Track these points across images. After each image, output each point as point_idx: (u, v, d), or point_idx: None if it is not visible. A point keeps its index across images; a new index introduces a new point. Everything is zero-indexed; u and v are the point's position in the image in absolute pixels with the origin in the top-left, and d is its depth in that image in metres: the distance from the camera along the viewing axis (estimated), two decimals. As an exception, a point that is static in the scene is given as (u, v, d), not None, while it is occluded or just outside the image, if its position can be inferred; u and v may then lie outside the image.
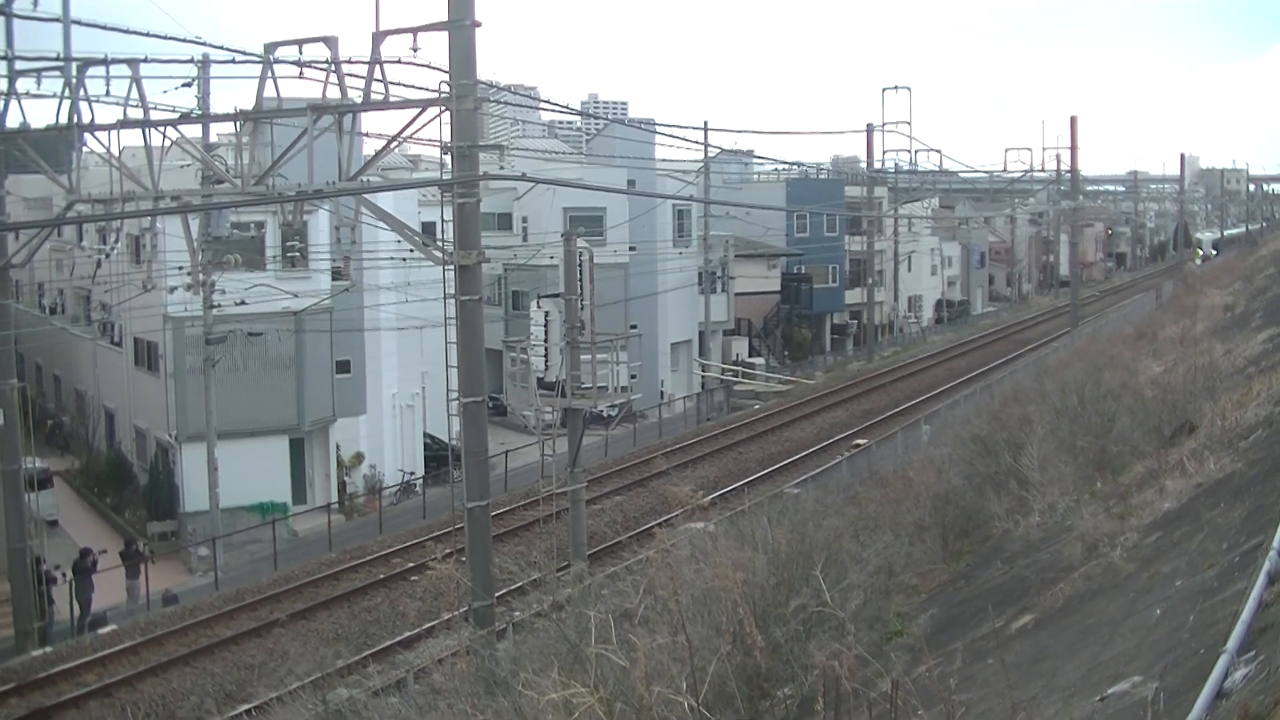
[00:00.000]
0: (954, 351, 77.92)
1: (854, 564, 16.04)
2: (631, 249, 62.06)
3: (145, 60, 28.62)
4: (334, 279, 44.88)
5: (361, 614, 32.50)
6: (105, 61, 28.59)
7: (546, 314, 31.23)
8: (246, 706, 25.09)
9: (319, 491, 46.67)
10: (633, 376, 37.28)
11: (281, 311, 43.01)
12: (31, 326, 55.13)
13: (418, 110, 24.07)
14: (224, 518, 39.58)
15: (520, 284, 60.61)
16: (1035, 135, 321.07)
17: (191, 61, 33.18)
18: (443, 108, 23.47)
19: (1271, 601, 9.53)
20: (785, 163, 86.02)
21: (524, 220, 64.52)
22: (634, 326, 56.46)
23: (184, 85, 33.68)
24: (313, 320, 44.31)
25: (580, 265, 29.74)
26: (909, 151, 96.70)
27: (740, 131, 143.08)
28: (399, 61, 24.77)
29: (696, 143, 64.95)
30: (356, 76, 24.82)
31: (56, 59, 29.94)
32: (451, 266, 23.88)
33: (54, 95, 29.39)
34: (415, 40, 23.64)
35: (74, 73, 28.84)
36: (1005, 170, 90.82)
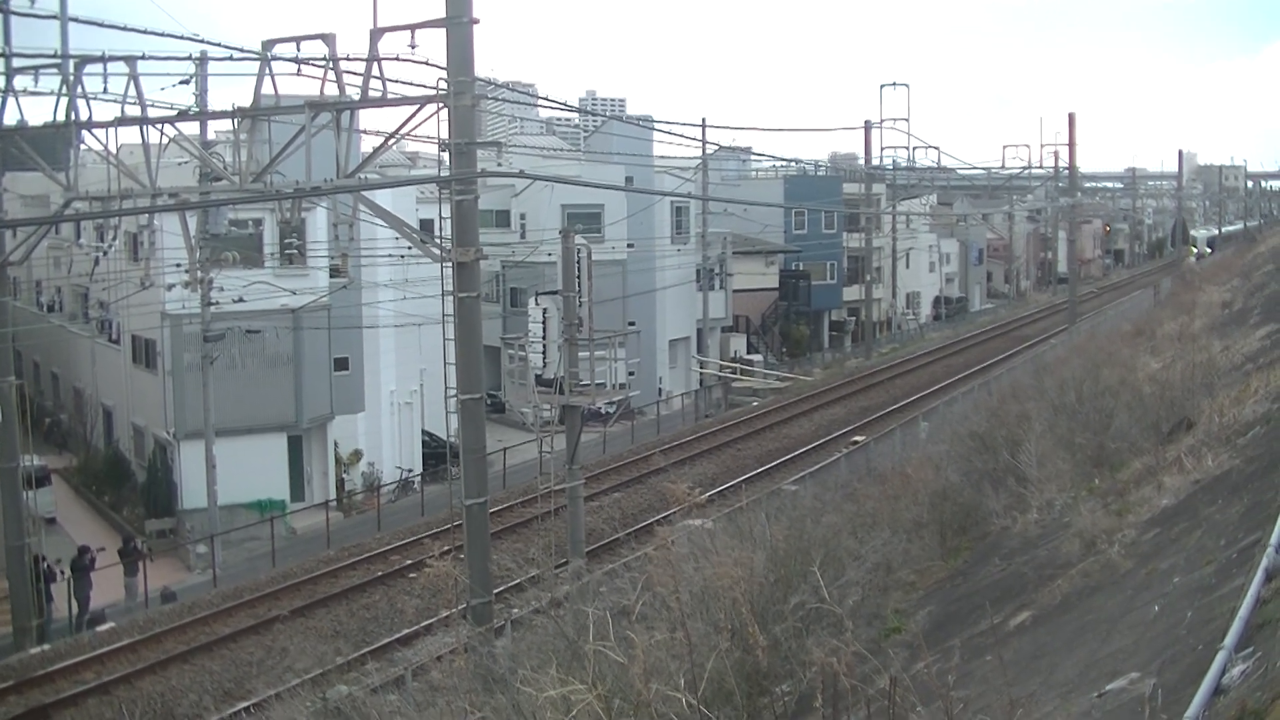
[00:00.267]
0: (952, 348, 77.95)
1: (852, 561, 16.05)
2: (630, 246, 62.05)
3: (143, 57, 28.60)
4: (332, 276, 44.82)
5: (360, 611, 32.51)
6: (103, 59, 28.56)
7: (545, 311, 31.16)
8: (245, 704, 25.11)
9: (317, 489, 46.66)
10: (631, 373, 37.27)
11: (279, 309, 43.02)
12: (29, 324, 55.08)
13: (415, 107, 24.07)
14: (222, 515, 39.56)
15: (518, 281, 60.62)
16: (1033, 132, 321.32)
17: (189, 59, 33.13)
18: (440, 105, 23.47)
19: (1269, 598, 9.54)
20: (783, 159, 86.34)
21: (522, 217, 64.50)
22: (632, 323, 56.49)
23: (182, 82, 33.62)
24: (311, 317, 44.31)
25: (578, 262, 29.72)
26: (907, 148, 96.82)
27: (738, 128, 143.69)
28: (397, 58, 24.76)
29: (695, 139, 64.93)
30: (354, 74, 24.84)
31: (54, 56, 29.89)
32: (450, 263, 23.88)
33: (51, 93, 29.35)
34: (413, 37, 23.64)
35: (71, 70, 28.81)
36: (1003, 167, 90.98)
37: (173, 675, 28.52)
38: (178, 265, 37.11)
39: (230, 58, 29.82)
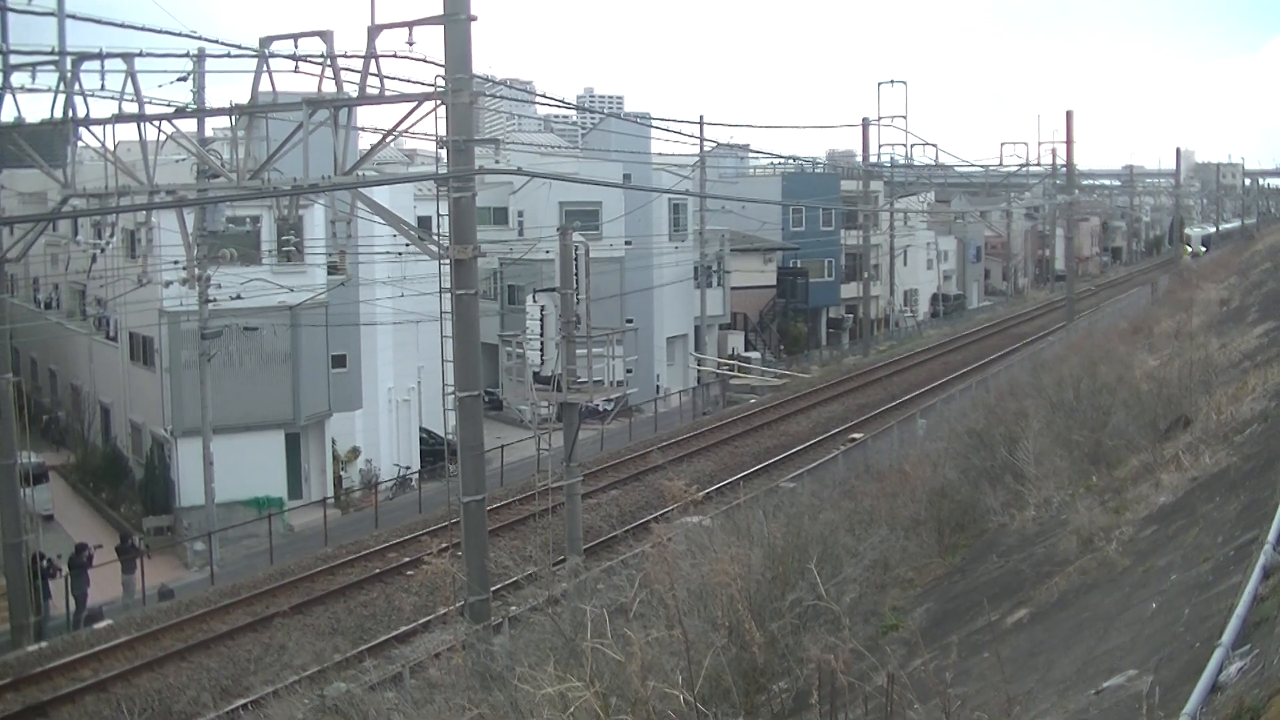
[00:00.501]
0: (950, 346, 77.96)
1: (849, 558, 16.05)
2: (627, 243, 62.04)
3: (140, 54, 28.59)
4: (330, 273, 44.83)
5: (358, 609, 32.52)
6: (100, 55, 28.55)
7: (542, 308, 31.10)
8: (243, 701, 25.11)
9: (315, 486, 46.67)
10: (628, 371, 37.22)
11: (277, 306, 42.99)
12: (27, 321, 55.04)
13: (413, 104, 24.05)
14: (220, 512, 39.58)
15: (516, 278, 60.62)
16: (1031, 129, 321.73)
17: (187, 56, 33.19)
18: (438, 102, 23.45)
19: (1266, 595, 9.54)
20: (781, 157, 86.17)
21: (520, 214, 64.50)
22: (630, 321, 56.47)
23: (179, 79, 33.66)
24: (308, 315, 44.30)
25: (576, 259, 29.70)
26: (905, 146, 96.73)
27: (736, 126, 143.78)
28: (394, 56, 24.74)
29: (692, 137, 65.02)
30: (352, 71, 24.82)
31: (51, 53, 29.86)
32: (447, 261, 23.87)
33: (49, 89, 29.33)
34: (411, 34, 23.62)
35: (69, 67, 28.79)
36: (1001, 164, 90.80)
37: (170, 672, 28.52)
38: (175, 262, 37.09)
39: (228, 55, 29.82)
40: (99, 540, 38.31)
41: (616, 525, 37.28)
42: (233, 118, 28.25)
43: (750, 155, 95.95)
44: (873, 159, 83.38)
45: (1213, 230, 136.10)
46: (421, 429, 51.89)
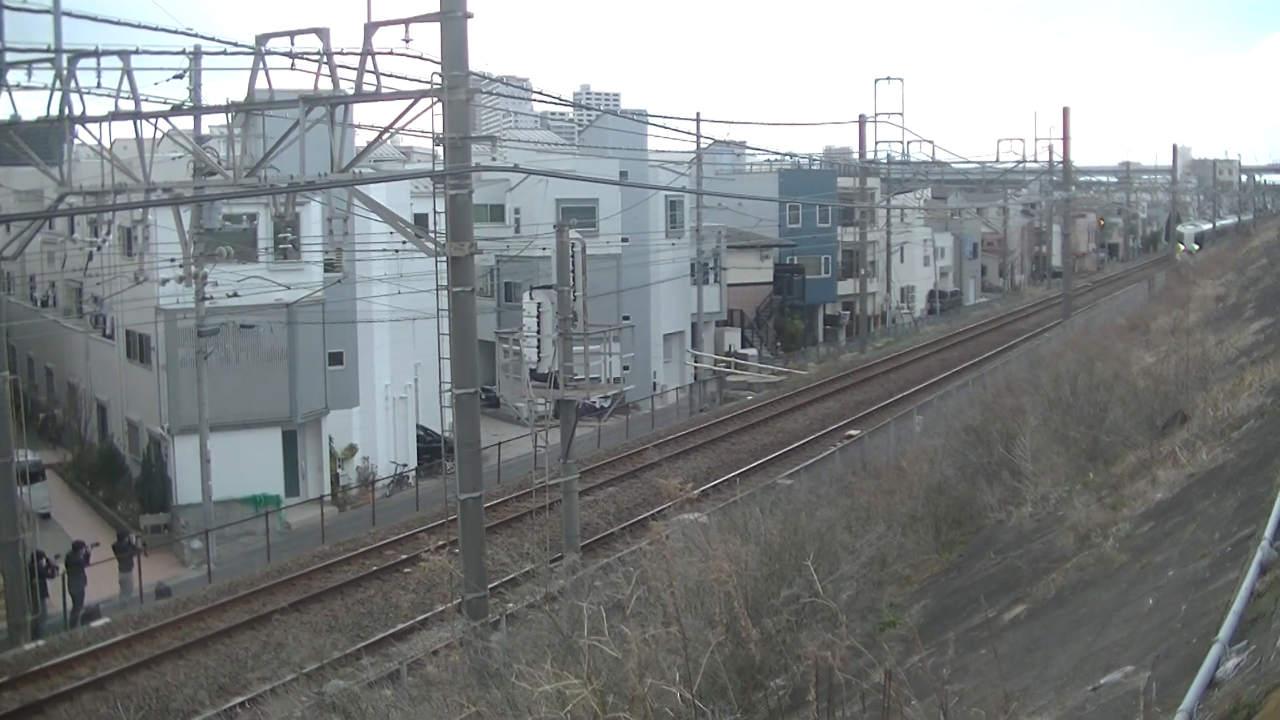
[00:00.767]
0: (947, 342, 77.97)
1: (846, 555, 16.05)
2: (624, 240, 62.07)
3: (136, 52, 28.55)
4: (326, 271, 44.84)
5: (355, 606, 32.51)
6: (96, 53, 28.51)
7: (539, 305, 31.11)
8: (240, 699, 25.10)
9: (312, 484, 46.66)
10: (625, 368, 37.24)
11: (274, 303, 42.98)
12: (23, 319, 55.04)
13: (410, 102, 24.03)
14: (217, 510, 39.57)
15: (513, 275, 60.65)
16: (1028, 126, 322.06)
17: (183, 53, 33.19)
18: (435, 99, 23.43)
19: (1263, 591, 9.54)
20: (778, 153, 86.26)
21: (516, 211, 64.50)
22: (626, 318, 56.44)
23: (175, 77, 33.73)
24: (305, 312, 44.29)
25: (573, 256, 29.72)
26: (902, 142, 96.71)
27: (733, 122, 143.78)
28: (391, 53, 24.72)
29: (689, 134, 65.02)
30: (348, 68, 24.78)
31: (47, 50, 29.83)
32: (444, 258, 23.86)
33: (45, 87, 29.29)
34: (407, 31, 23.61)
35: (65, 64, 28.74)
36: (998, 161, 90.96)
37: (167, 670, 28.51)
38: (172, 260, 37.06)
39: (224, 52, 29.84)
40: (96, 538, 38.29)
41: (614, 522, 37.27)
42: (229, 115, 28.25)
43: (747, 152, 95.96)
44: (869, 156, 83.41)
45: (1206, 227, 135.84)
46: (418, 426, 51.90)
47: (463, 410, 24.29)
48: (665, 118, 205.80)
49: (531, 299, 31.83)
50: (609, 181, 55.82)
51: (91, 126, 29.64)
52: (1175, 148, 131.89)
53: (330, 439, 47.42)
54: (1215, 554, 11.80)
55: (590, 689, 9.75)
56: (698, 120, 64.18)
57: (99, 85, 28.73)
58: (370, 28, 23.77)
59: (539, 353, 31.51)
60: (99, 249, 39.37)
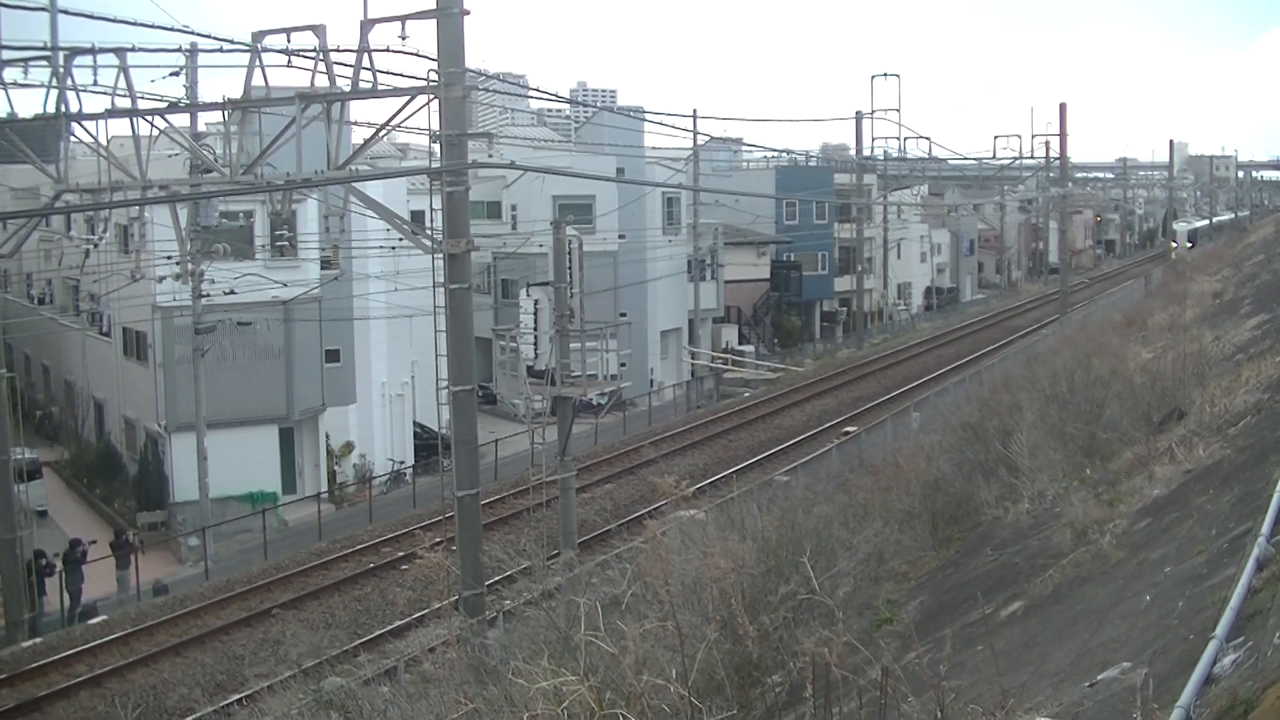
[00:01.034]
0: (943, 339, 78.00)
1: (843, 551, 16.06)
2: (621, 237, 62.03)
3: (133, 49, 28.56)
4: (323, 268, 44.83)
5: (352, 603, 32.52)
6: (93, 50, 28.51)
7: (536, 302, 31.14)
8: (237, 696, 25.11)
9: (309, 481, 46.64)
10: (622, 365, 37.24)
11: (270, 301, 42.94)
12: (20, 317, 55.07)
13: (406, 98, 24.02)
14: (214, 508, 39.55)
15: (510, 272, 60.58)
16: (1024, 122, 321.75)
17: (179, 50, 33.15)
18: (431, 96, 23.42)
19: (1260, 587, 9.55)
20: (774, 150, 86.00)
21: (513, 208, 64.47)
22: (623, 314, 56.50)
23: (172, 74, 33.66)
24: (302, 309, 44.26)
25: (569, 253, 29.72)
26: (898, 139, 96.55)
27: (729, 119, 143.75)
28: (387, 50, 24.72)
29: (686, 130, 65.05)
30: (345, 65, 24.78)
31: (43, 48, 29.81)
32: (440, 255, 23.85)
33: (41, 85, 29.28)
34: (404, 28, 23.60)
35: (61, 62, 28.73)
36: (994, 157, 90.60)
37: (165, 668, 28.51)
38: (168, 257, 37.11)
39: (220, 49, 29.90)
40: (93, 536, 38.25)
41: (610, 519, 37.28)
42: (225, 112, 28.23)
43: (744, 149, 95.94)
44: (866, 152, 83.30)
45: (1200, 224, 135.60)
46: (415, 423, 51.87)
47: (460, 407, 24.29)
48: (662, 114, 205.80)
49: (528, 296, 31.87)
50: (606, 178, 55.81)
51: (88, 124, 29.64)
52: (1172, 144, 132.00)
53: (327, 436, 47.40)
54: (1212, 550, 11.81)
55: (587, 686, 9.74)
56: (694, 117, 64.28)
57: (95, 82, 28.76)
58: (367, 24, 23.76)
59: (536, 350, 31.53)
60: (96, 246, 39.32)
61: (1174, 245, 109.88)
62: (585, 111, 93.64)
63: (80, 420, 53.81)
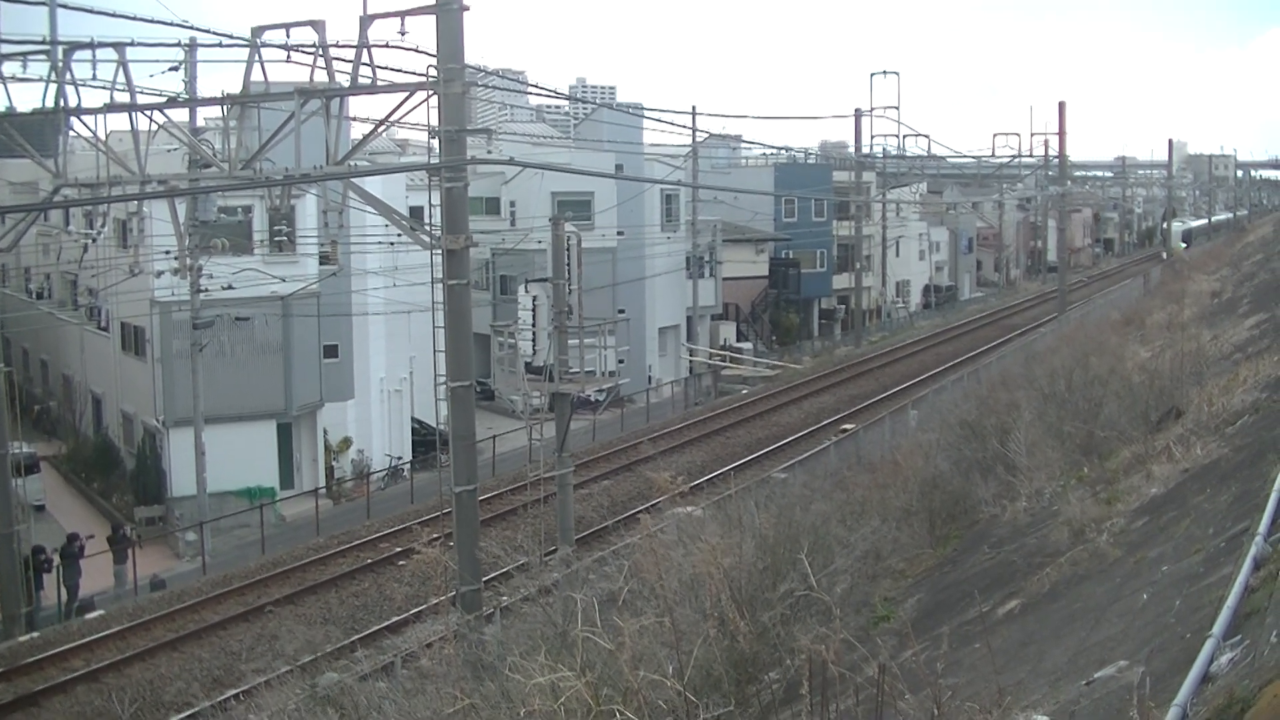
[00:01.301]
0: (942, 337, 78.00)
1: (841, 549, 16.05)
2: (619, 233, 62.00)
3: (132, 44, 28.59)
4: (322, 263, 44.81)
5: (349, 599, 32.51)
6: (92, 45, 28.51)
7: (534, 298, 31.14)
8: (234, 691, 25.09)
9: (307, 476, 46.62)
10: (620, 361, 37.23)
11: (269, 296, 42.92)
12: (18, 311, 55.07)
13: (405, 94, 24.04)
14: (211, 502, 39.54)
15: (508, 268, 60.54)
16: (1023, 121, 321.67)
17: (178, 45, 33.16)
18: (430, 92, 23.44)
19: (1257, 586, 9.55)
20: (773, 147, 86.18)
21: (512, 205, 64.45)
22: (622, 311, 56.40)
23: (171, 69, 33.65)
24: (300, 305, 44.24)
25: (568, 250, 29.71)
26: (897, 136, 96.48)
27: (728, 116, 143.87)
28: (387, 45, 24.77)
29: (685, 127, 65.11)
30: (344, 60, 24.81)
31: (42, 42, 29.81)
32: (439, 251, 23.86)
33: (40, 79, 29.31)
34: (403, 24, 23.64)
35: (60, 56, 28.73)
36: (993, 155, 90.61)
37: (162, 663, 28.51)
38: (167, 252, 37.08)
39: (220, 44, 29.84)
40: (91, 531, 38.25)
41: (608, 515, 37.30)
42: (225, 107, 28.22)
43: (742, 146, 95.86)
44: (865, 150, 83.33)
45: (1196, 224, 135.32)
46: (413, 419, 51.86)
47: (458, 403, 24.30)
48: (661, 111, 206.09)
49: (527, 292, 31.86)
50: (605, 175, 55.78)
51: (87, 118, 29.63)
52: (1171, 143, 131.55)
53: (325, 432, 47.38)
54: (1209, 549, 11.81)
55: (584, 681, 9.76)
56: (693, 114, 64.20)
57: (94, 77, 28.78)
58: (366, 20, 23.77)
59: (534, 346, 31.54)
60: (94, 241, 39.36)
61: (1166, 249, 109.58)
62: (584, 108, 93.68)
63: (78, 415, 53.78)
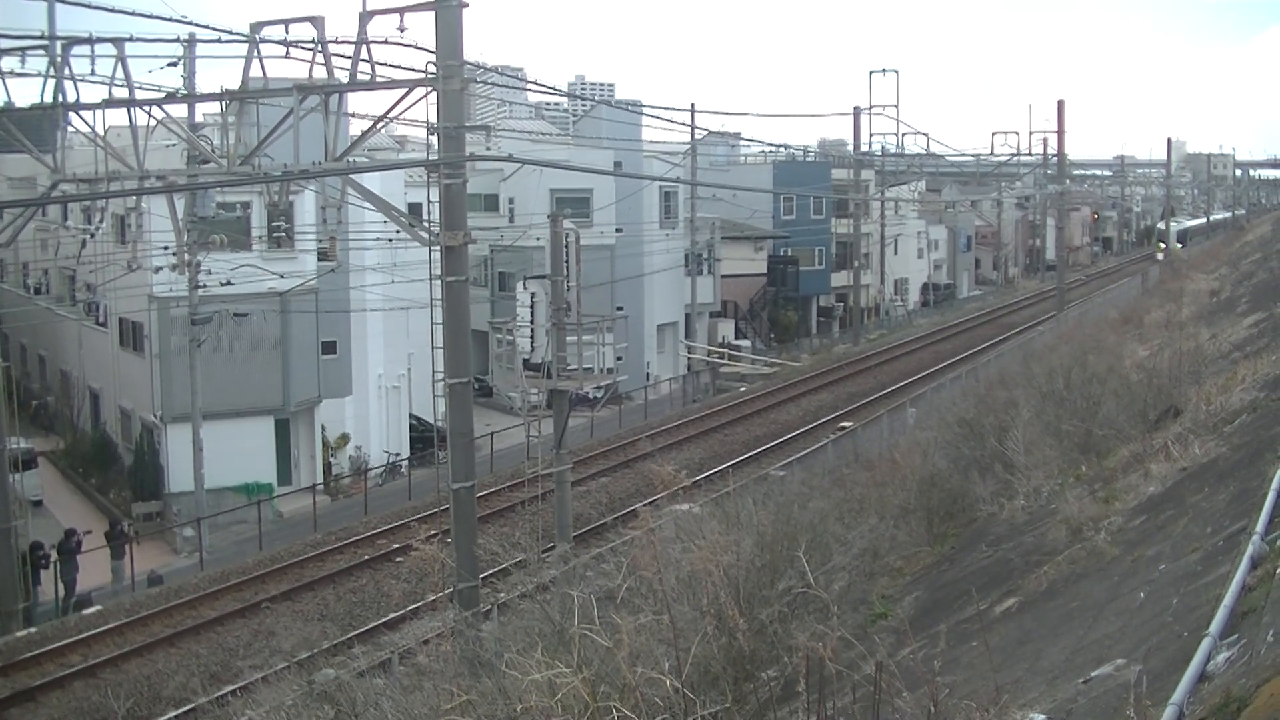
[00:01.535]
0: (940, 335, 77.98)
1: (839, 546, 16.06)
2: (618, 230, 62.02)
3: (130, 39, 28.53)
4: (320, 259, 44.76)
5: (347, 595, 32.51)
6: (90, 40, 28.48)
7: (533, 295, 31.17)
8: (232, 687, 25.08)
9: (304, 472, 46.61)
10: (619, 358, 37.30)
11: (267, 292, 42.92)
12: (16, 306, 55.06)
13: (404, 91, 24.03)
14: (209, 498, 39.52)
15: (506, 265, 60.52)
16: (1023, 119, 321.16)
17: (177, 41, 33.11)
18: (429, 88, 23.43)
19: (1254, 585, 9.56)
20: (772, 145, 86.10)
21: (510, 201, 64.42)
22: (620, 308, 56.42)
23: (169, 65, 33.59)
24: (298, 301, 44.22)
25: (567, 246, 29.72)
26: (896, 135, 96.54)
27: (727, 113, 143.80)
28: (386, 42, 24.76)
29: (683, 124, 65.08)
30: (343, 56, 24.79)
31: (41, 37, 29.80)
32: (438, 247, 23.85)
33: (39, 74, 29.28)
34: (402, 20, 23.65)
35: (59, 51, 28.71)
36: (992, 154, 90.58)
37: (159, 658, 28.50)
38: (165, 248, 37.05)
39: (218, 40, 29.78)
40: (88, 526, 38.25)
41: (606, 512, 37.28)
42: (223, 103, 28.19)
43: (741, 143, 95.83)
44: (864, 148, 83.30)
45: (1192, 223, 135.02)
46: (411, 415, 51.85)
47: (456, 400, 24.29)
48: (660, 108, 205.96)
49: (525, 289, 31.86)
50: (603, 172, 55.74)
51: (85, 114, 29.61)
52: (1170, 141, 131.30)
53: (323, 428, 47.37)
54: (1207, 548, 11.82)
55: (581, 678, 9.75)
56: (692, 111, 64.39)
57: (93, 72, 28.74)
58: (365, 16, 23.76)
59: (533, 343, 31.55)
60: (92, 236, 39.31)
61: (1162, 246, 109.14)
62: (583, 105, 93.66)
63: (76, 410, 53.76)
